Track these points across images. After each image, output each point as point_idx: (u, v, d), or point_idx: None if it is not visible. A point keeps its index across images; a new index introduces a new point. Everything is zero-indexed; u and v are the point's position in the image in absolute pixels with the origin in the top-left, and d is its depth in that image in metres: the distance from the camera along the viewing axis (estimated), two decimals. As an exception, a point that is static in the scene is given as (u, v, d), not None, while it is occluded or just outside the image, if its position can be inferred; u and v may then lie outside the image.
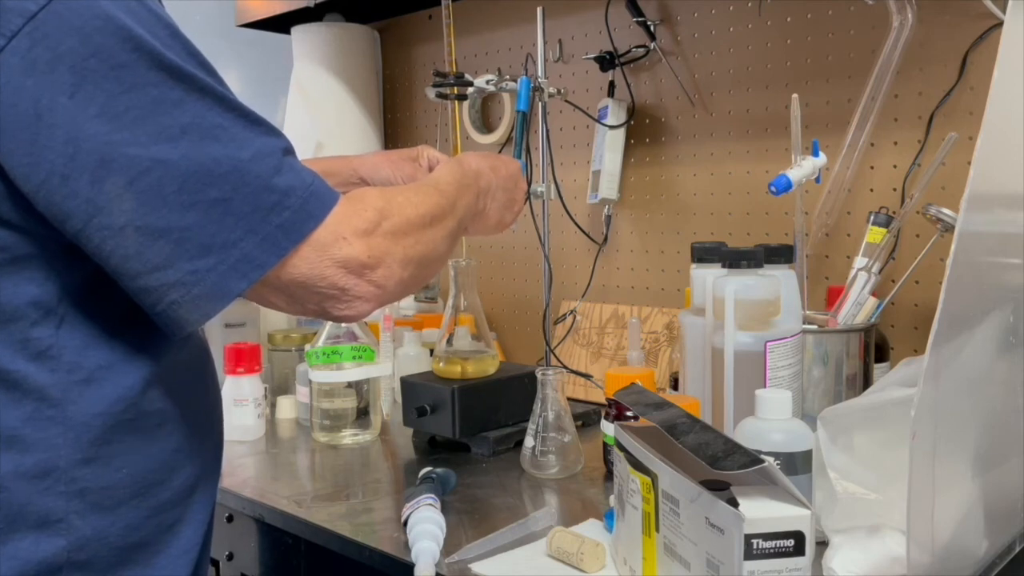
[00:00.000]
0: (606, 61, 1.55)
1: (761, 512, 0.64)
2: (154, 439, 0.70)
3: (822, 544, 0.79)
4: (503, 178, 0.99)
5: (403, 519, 0.93)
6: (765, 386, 0.95)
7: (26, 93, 0.59)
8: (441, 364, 1.27)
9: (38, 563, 0.64)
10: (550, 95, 1.37)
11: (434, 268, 0.82)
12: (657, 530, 0.74)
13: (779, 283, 0.99)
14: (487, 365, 1.28)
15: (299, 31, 1.90)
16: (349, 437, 1.32)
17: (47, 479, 0.64)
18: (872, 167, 1.30)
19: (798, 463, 0.80)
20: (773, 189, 1.06)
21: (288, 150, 0.68)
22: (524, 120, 1.29)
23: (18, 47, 0.58)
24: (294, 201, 0.66)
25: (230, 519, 1.15)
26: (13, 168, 0.60)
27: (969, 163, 0.69)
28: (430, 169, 1.09)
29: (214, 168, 0.63)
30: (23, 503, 0.64)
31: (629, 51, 1.54)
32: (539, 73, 1.37)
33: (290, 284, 0.68)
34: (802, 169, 1.08)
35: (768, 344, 0.96)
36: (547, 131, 1.39)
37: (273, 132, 0.68)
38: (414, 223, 0.76)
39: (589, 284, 1.58)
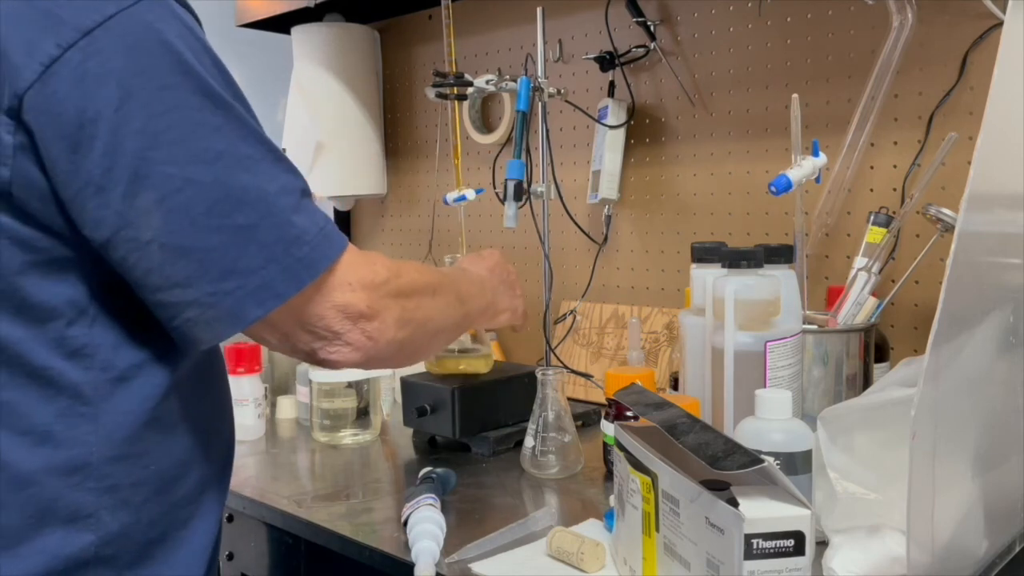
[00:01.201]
0: (606, 61, 1.55)
1: (761, 512, 0.64)
2: (175, 436, 0.72)
3: (822, 544, 0.79)
4: (496, 270, 1.04)
5: (403, 519, 0.93)
6: (765, 386, 0.95)
7: (72, 103, 0.60)
8: (433, 361, 1.28)
9: (66, 558, 0.65)
10: (550, 95, 1.37)
11: (430, 341, 0.85)
12: (657, 530, 0.74)
13: (779, 283, 0.98)
14: (479, 364, 1.28)
15: (299, 31, 1.90)
16: (349, 437, 1.32)
17: (78, 475, 0.65)
18: (872, 167, 1.30)
19: (798, 463, 0.80)
20: (773, 189, 1.06)
21: (305, 191, 0.70)
22: (524, 120, 1.29)
23: (71, 59, 0.60)
24: (311, 239, 0.68)
25: (230, 519, 1.15)
26: (55, 176, 0.62)
27: (969, 163, 0.69)
28: None
29: (243, 196, 0.65)
30: (54, 498, 0.65)
31: (629, 51, 1.54)
32: (539, 73, 1.37)
33: (288, 321, 0.70)
34: (802, 169, 1.08)
35: (768, 344, 0.96)
36: (547, 131, 1.39)
37: (294, 171, 0.70)
38: (419, 288, 0.80)
39: (589, 284, 1.59)
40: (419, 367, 1.47)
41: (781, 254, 1.07)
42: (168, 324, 0.66)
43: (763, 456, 0.64)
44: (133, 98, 0.61)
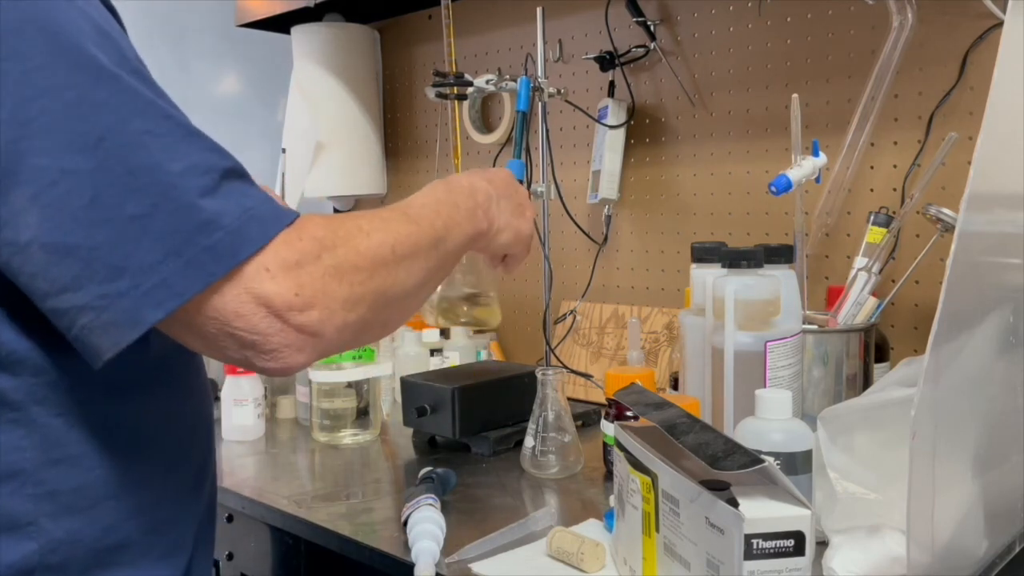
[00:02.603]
0: (606, 61, 1.55)
1: (761, 512, 0.64)
2: (122, 439, 0.67)
3: (822, 544, 0.79)
4: (501, 187, 0.88)
5: (403, 519, 0.93)
6: (765, 386, 0.95)
7: None
8: (434, 309, 1.10)
9: (8, 566, 0.62)
10: (550, 95, 1.37)
11: (402, 308, 0.71)
12: (657, 530, 0.74)
13: (779, 283, 0.98)
14: (487, 315, 1.12)
15: (299, 31, 1.90)
16: (349, 437, 1.32)
17: (12, 482, 0.62)
18: (872, 167, 1.30)
19: (798, 463, 0.80)
20: (773, 189, 1.06)
21: (231, 172, 0.61)
22: (524, 120, 1.29)
23: None
24: (228, 222, 0.58)
25: (230, 519, 1.15)
26: None
27: (969, 163, 0.69)
28: None
29: (132, 180, 0.57)
30: None
31: (629, 51, 1.54)
32: (539, 73, 1.37)
33: (203, 322, 0.60)
34: (802, 169, 1.08)
35: (768, 344, 0.96)
36: (547, 131, 1.38)
37: (215, 149, 0.61)
38: (365, 255, 0.65)
39: (589, 284, 1.58)
40: (424, 367, 1.47)
41: (781, 254, 1.07)
42: (68, 335, 0.59)
43: (763, 456, 0.64)
44: None
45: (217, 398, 1.36)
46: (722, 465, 0.64)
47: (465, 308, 1.10)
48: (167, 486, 0.72)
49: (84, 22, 0.60)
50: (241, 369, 1.34)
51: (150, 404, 0.70)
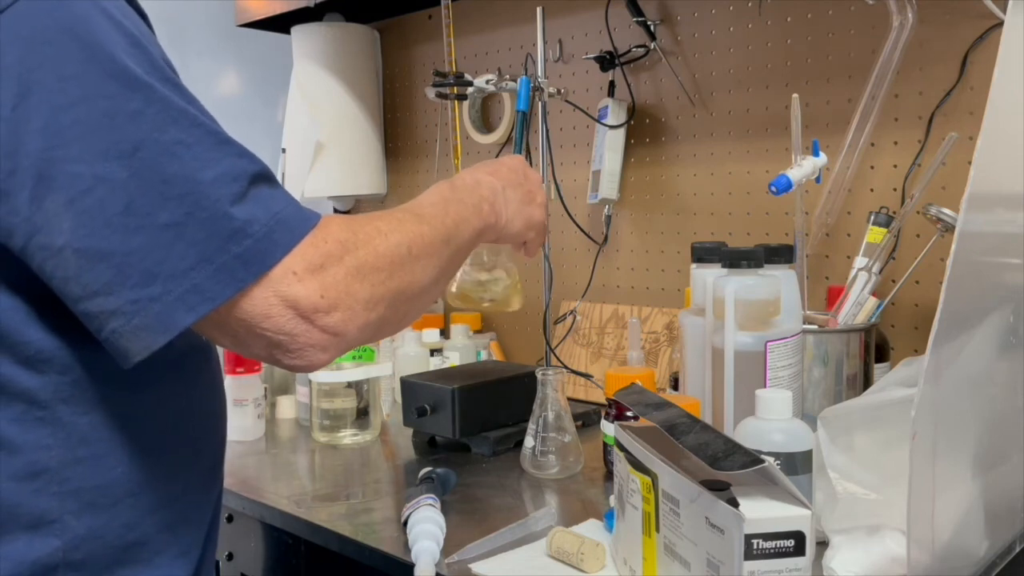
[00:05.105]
0: (606, 61, 1.55)
1: (761, 512, 0.64)
2: (144, 437, 0.69)
3: (822, 544, 0.79)
4: (506, 178, 0.90)
5: (403, 519, 0.93)
6: (765, 386, 0.95)
7: None
8: (455, 293, 1.13)
9: (31, 564, 0.63)
10: (550, 95, 1.37)
11: (417, 304, 0.74)
12: (657, 530, 0.74)
13: (779, 283, 0.98)
14: (508, 298, 1.14)
15: (299, 31, 1.90)
16: (349, 437, 1.32)
17: (38, 480, 0.63)
18: (872, 167, 1.30)
19: (798, 463, 0.80)
20: (773, 189, 1.06)
21: (260, 176, 0.63)
22: (524, 120, 1.29)
23: None
24: (257, 229, 0.61)
25: (230, 519, 1.15)
26: None
27: (969, 163, 0.69)
28: None
29: (168, 189, 0.59)
30: (14, 504, 0.63)
31: (629, 51, 1.54)
32: (539, 73, 1.37)
33: (233, 323, 0.62)
34: (802, 169, 1.08)
35: (768, 344, 0.96)
36: (547, 131, 1.38)
37: (244, 154, 0.63)
38: (384, 256, 0.68)
39: (589, 284, 1.59)
40: (424, 367, 1.47)
41: (781, 254, 1.07)
42: (98, 337, 0.60)
43: (763, 456, 0.64)
44: (32, 94, 0.57)
45: (217, 398, 1.36)
46: (722, 465, 0.64)
47: (485, 291, 1.14)
48: (183, 483, 0.73)
49: (116, 31, 0.61)
50: (241, 370, 1.35)
51: (170, 402, 0.72)
